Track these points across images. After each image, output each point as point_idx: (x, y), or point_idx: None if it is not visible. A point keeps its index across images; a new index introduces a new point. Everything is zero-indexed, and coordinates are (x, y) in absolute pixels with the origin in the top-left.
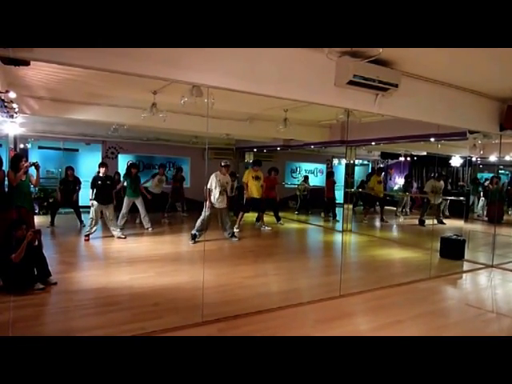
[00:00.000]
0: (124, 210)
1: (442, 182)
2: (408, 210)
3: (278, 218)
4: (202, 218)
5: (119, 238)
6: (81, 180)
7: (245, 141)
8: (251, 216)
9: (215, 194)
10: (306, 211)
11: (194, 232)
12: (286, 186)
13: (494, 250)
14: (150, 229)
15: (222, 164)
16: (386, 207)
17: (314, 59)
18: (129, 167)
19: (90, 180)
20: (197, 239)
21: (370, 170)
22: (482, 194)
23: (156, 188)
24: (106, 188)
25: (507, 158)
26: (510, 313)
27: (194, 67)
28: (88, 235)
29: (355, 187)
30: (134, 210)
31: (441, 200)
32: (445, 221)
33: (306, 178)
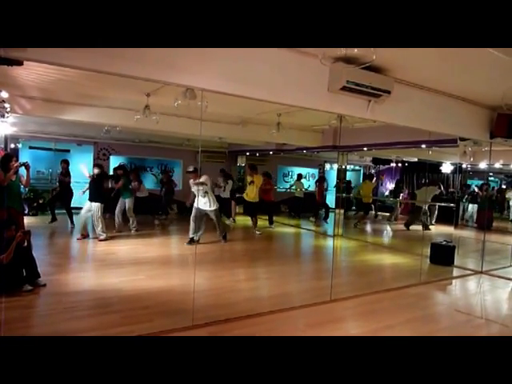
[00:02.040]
0: (116, 210)
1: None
2: (397, 216)
3: (271, 222)
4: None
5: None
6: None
7: (237, 144)
8: (245, 220)
9: (198, 197)
10: (297, 215)
11: (190, 235)
12: (279, 190)
13: (484, 256)
14: (132, 230)
15: (186, 171)
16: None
17: (308, 64)
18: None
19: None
20: (195, 240)
21: (361, 176)
22: (468, 201)
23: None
24: (93, 186)
25: (497, 165)
26: (498, 319)
27: (188, 70)
28: (82, 234)
29: (355, 192)
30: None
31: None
32: (434, 227)
33: (300, 176)
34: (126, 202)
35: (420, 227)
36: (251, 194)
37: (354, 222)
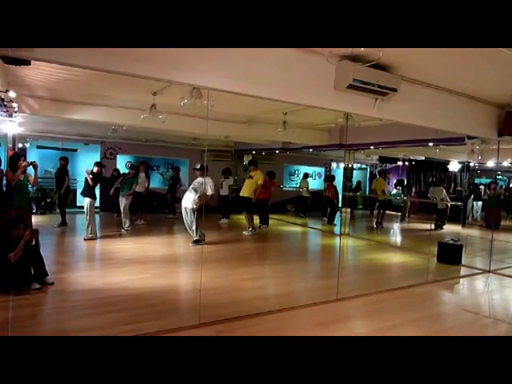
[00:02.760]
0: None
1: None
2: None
3: (266, 222)
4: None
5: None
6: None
7: (243, 143)
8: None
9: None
10: (304, 215)
11: (194, 236)
12: (285, 189)
13: (492, 255)
14: (123, 230)
15: (193, 167)
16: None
17: (314, 63)
18: None
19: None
20: (200, 239)
21: (368, 174)
22: (472, 199)
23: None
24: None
25: (505, 163)
26: (506, 318)
27: (195, 69)
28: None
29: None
30: (133, 209)
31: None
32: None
33: (306, 175)
34: (124, 199)
35: (427, 226)
36: (246, 189)
37: (362, 220)
